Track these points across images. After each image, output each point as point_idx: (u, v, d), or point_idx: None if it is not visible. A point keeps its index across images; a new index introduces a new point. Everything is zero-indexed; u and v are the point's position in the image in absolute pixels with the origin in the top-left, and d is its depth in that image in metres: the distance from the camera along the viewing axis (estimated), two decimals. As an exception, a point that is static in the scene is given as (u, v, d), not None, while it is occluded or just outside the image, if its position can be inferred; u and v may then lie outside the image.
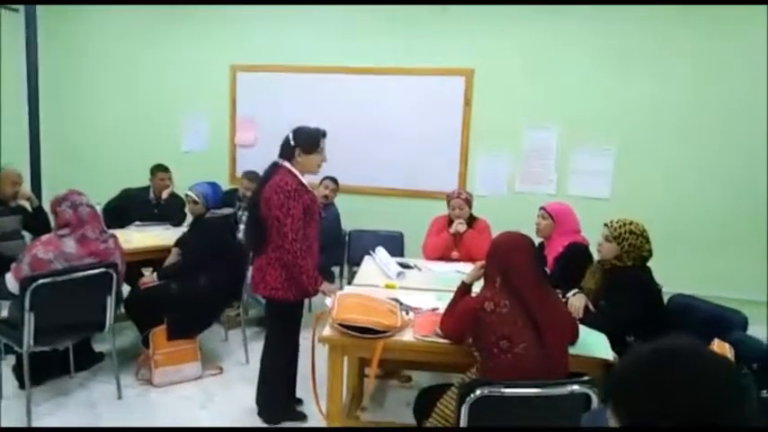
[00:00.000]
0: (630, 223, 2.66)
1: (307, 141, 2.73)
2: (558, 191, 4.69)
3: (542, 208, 3.30)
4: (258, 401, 2.96)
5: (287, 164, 2.71)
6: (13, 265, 2.83)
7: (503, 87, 4.76)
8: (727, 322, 2.53)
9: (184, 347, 3.38)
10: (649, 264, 2.68)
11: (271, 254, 2.71)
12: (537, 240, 3.07)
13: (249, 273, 3.08)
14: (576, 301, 2.61)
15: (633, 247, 2.62)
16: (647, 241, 2.66)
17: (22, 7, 5.50)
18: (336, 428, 2.53)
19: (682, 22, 4.37)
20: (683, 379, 0.86)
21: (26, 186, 4.07)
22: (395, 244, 4.53)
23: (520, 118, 4.75)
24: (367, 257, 3.66)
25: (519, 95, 4.74)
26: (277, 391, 2.94)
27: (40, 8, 5.47)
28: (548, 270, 3.02)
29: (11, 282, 2.81)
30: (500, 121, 4.78)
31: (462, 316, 2.13)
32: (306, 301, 4.62)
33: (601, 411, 1.09)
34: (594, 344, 2.28)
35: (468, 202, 3.73)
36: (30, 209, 3.91)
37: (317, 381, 2.65)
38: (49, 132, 5.67)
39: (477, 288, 2.32)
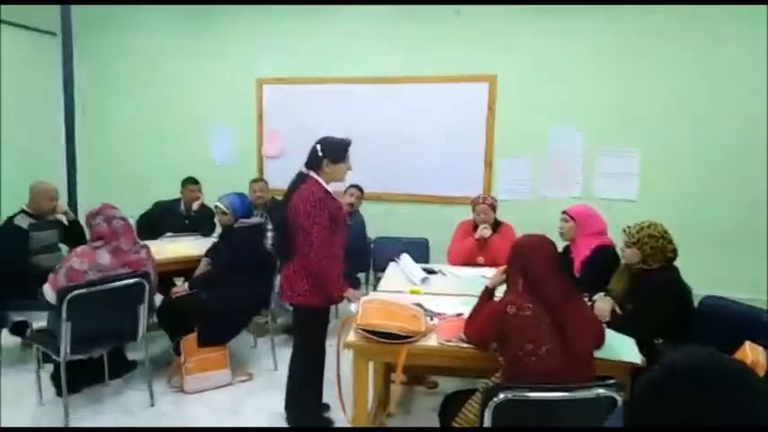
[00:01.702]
0: (648, 226, 2.61)
1: (334, 152, 2.79)
2: (584, 194, 4.63)
3: (564, 212, 3.27)
4: (287, 408, 2.99)
5: (313, 174, 2.76)
6: (51, 276, 2.94)
7: (526, 92, 4.75)
8: (759, 324, 2.46)
9: (215, 355, 3.45)
10: (677, 264, 2.63)
11: (297, 262, 2.76)
12: (562, 244, 3.07)
13: (277, 281, 3.13)
14: (603, 304, 2.58)
15: (655, 249, 2.58)
16: (670, 241, 2.61)
17: (58, 31, 5.72)
18: (351, 429, 2.54)
19: (698, 20, 4.29)
20: (699, 399, 0.85)
21: (62, 201, 4.21)
22: (420, 250, 4.53)
23: (543, 122, 4.73)
24: (392, 264, 3.67)
25: (542, 99, 4.72)
26: (305, 397, 2.97)
27: (75, 30, 5.69)
28: (575, 273, 2.99)
29: (48, 292, 2.91)
30: (524, 125, 4.77)
31: (485, 320, 2.13)
32: (332, 308, 4.72)
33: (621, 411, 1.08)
34: (621, 347, 2.24)
35: (493, 206, 3.73)
36: (66, 222, 4.04)
37: (343, 387, 2.67)
38: (84, 148, 5.87)
39: (501, 293, 2.32)
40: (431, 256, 4.66)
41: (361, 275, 4.68)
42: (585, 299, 2.51)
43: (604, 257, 2.91)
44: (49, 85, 5.84)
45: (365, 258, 4.68)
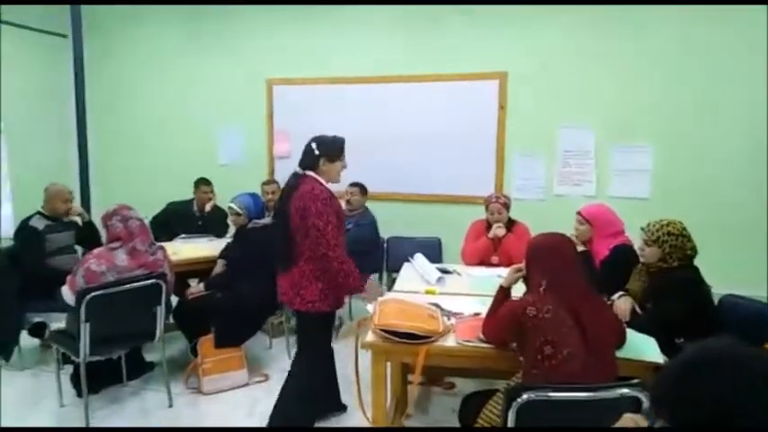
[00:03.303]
0: (668, 224, 2.59)
1: (331, 150, 2.72)
2: (598, 192, 4.60)
3: (578, 213, 3.22)
4: (277, 418, 2.83)
5: (311, 173, 2.70)
6: (69, 278, 2.96)
7: (537, 89, 4.72)
8: (782, 323, 2.45)
9: (231, 355, 3.46)
10: (696, 262, 2.62)
11: (304, 266, 2.66)
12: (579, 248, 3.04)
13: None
14: (623, 304, 2.56)
15: (675, 247, 2.55)
16: (689, 239, 2.59)
17: (69, 33, 5.76)
18: (367, 429, 2.54)
19: (713, 19, 4.26)
20: (722, 383, 0.85)
21: (76, 203, 4.24)
22: (433, 250, 4.54)
23: (555, 119, 4.70)
24: (406, 264, 3.67)
25: (553, 96, 4.69)
26: (305, 407, 2.84)
27: (84, 31, 5.73)
28: (595, 274, 2.97)
29: (67, 294, 2.93)
30: (535, 123, 4.74)
31: (504, 320, 2.12)
32: (347, 309, 4.74)
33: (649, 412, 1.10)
34: (643, 347, 2.23)
35: (507, 205, 3.72)
36: (80, 224, 4.07)
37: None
38: (96, 150, 5.91)
39: (515, 291, 2.32)
40: (444, 255, 4.67)
41: (375, 276, 4.68)
42: (605, 299, 2.50)
43: (623, 257, 2.88)
44: (61, 87, 5.89)
45: (378, 258, 4.68)
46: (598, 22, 4.51)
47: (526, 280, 2.21)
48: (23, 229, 3.78)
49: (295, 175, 2.74)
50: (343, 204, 4.44)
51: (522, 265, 2.23)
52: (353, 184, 4.51)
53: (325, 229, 2.57)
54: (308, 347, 2.86)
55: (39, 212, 3.86)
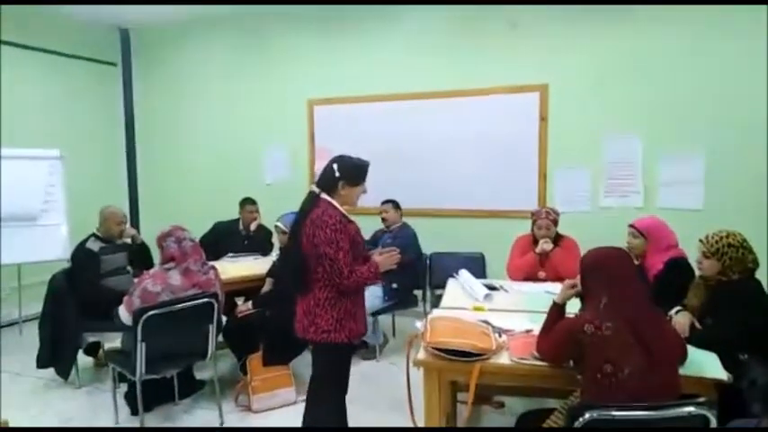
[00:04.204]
0: (728, 236, 2.51)
1: (353, 173, 2.55)
2: (646, 204, 4.50)
3: (632, 225, 3.13)
4: None
5: (326, 196, 2.53)
6: (126, 298, 3.05)
7: (579, 100, 4.67)
8: None
9: (279, 373, 3.50)
10: (757, 275, 2.52)
11: (319, 294, 2.50)
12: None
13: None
14: (681, 319, 2.48)
15: (735, 260, 2.47)
16: (750, 251, 2.50)
17: (119, 61, 6.03)
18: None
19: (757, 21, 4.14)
20: None
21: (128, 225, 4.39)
22: (477, 265, 4.51)
23: (599, 130, 4.63)
24: (451, 280, 3.64)
25: (596, 107, 4.63)
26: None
27: (133, 58, 6.00)
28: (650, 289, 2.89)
29: (124, 314, 3.02)
30: (578, 134, 4.68)
31: (560, 338, 2.07)
32: (391, 325, 4.74)
33: (747, 424, 1.08)
34: (704, 363, 2.15)
35: (556, 221, 3.66)
36: (133, 245, 4.19)
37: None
38: (144, 172, 6.12)
39: (569, 309, 2.28)
40: (488, 270, 4.62)
41: (418, 292, 4.67)
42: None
43: (679, 271, 2.80)
44: (111, 112, 6.15)
45: (420, 272, 4.66)
46: (639, 30, 4.45)
47: (581, 296, 2.17)
48: (80, 252, 3.92)
49: (311, 194, 2.57)
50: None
51: (577, 280, 2.18)
52: (386, 201, 4.52)
53: (336, 257, 2.41)
54: (320, 383, 2.66)
55: (94, 234, 3.99)
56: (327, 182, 2.55)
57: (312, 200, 2.54)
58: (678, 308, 2.58)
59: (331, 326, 2.50)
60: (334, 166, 2.54)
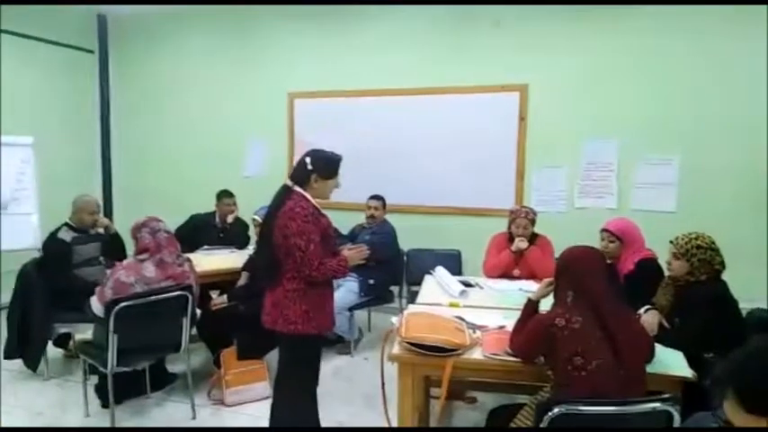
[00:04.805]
0: (697, 237, 2.58)
1: (326, 167, 2.58)
2: (620, 205, 4.58)
3: (605, 230, 3.16)
4: None
5: (299, 188, 2.56)
6: (98, 289, 3.00)
7: (558, 101, 4.72)
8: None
9: (253, 368, 3.48)
10: (724, 276, 2.60)
11: (287, 285, 2.52)
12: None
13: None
14: (650, 318, 2.54)
15: (703, 261, 2.54)
16: (718, 253, 2.57)
17: (96, 48, 5.91)
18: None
19: (736, 30, 4.24)
20: None
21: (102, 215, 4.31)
22: (453, 262, 4.54)
23: (577, 131, 4.69)
24: (428, 276, 3.67)
25: (575, 109, 4.69)
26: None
27: (110, 46, 5.88)
28: (621, 287, 2.95)
29: (96, 305, 2.97)
30: (556, 135, 4.74)
31: (532, 333, 2.11)
32: (366, 321, 4.75)
33: (706, 417, 1.25)
34: (671, 361, 2.21)
35: (533, 221, 3.71)
36: (106, 235, 4.12)
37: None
38: (118, 162, 6.03)
39: (543, 306, 2.32)
40: (464, 267, 4.66)
41: (395, 288, 4.68)
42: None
43: (649, 270, 2.87)
44: (86, 101, 6.03)
45: (398, 269, 4.68)
46: (619, 34, 4.52)
47: (554, 292, 2.21)
48: (52, 241, 3.84)
49: (284, 187, 2.59)
50: (367, 219, 4.49)
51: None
52: (375, 197, 4.53)
53: (307, 249, 2.44)
54: (289, 378, 2.66)
55: (66, 224, 3.92)
56: (300, 175, 2.58)
57: (285, 192, 2.57)
58: (647, 307, 2.64)
59: (299, 317, 2.52)
60: (307, 159, 2.58)
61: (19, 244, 4.59)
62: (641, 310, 2.62)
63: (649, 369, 2.08)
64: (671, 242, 2.64)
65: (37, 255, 4.00)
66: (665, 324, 2.54)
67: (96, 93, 5.97)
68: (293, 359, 2.64)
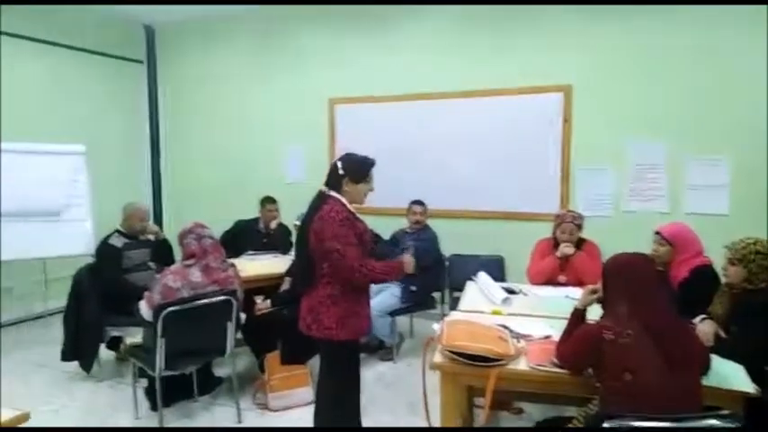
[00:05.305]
0: (755, 243, 2.45)
1: (356, 171, 2.58)
2: (672, 208, 4.40)
3: (657, 233, 3.04)
4: None
5: (334, 193, 2.56)
6: (146, 294, 3.08)
7: (603, 102, 4.59)
8: None
9: (297, 372, 3.50)
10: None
11: (321, 291, 2.53)
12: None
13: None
14: (706, 327, 2.42)
15: (762, 267, 2.40)
16: None
17: (144, 58, 6.12)
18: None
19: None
20: None
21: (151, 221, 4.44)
22: (496, 268, 4.46)
23: (623, 132, 4.54)
24: (469, 282, 3.61)
25: (621, 109, 4.54)
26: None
27: (158, 56, 6.09)
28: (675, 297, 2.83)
29: (144, 309, 3.06)
30: (602, 136, 4.60)
31: (579, 345, 2.04)
32: (409, 328, 4.72)
33: None
34: (730, 374, 2.09)
35: (580, 226, 3.60)
36: (155, 241, 4.24)
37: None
38: (168, 170, 6.21)
39: (590, 314, 2.24)
40: (507, 273, 4.58)
41: (437, 294, 4.64)
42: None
43: (705, 279, 2.74)
44: (136, 110, 6.25)
45: (440, 274, 4.63)
46: (668, 32, 4.35)
47: (602, 302, 2.13)
48: (103, 247, 3.99)
49: (319, 194, 2.61)
50: (412, 224, 4.46)
51: (598, 286, 2.15)
52: (418, 203, 4.49)
53: (344, 252, 2.42)
54: (329, 385, 2.66)
55: (117, 230, 4.06)
56: (333, 179, 2.59)
57: (321, 197, 2.58)
58: (702, 316, 2.52)
59: (334, 323, 2.51)
60: (339, 163, 2.59)
61: (73, 250, 4.78)
62: (696, 320, 2.51)
63: (706, 382, 1.97)
64: (727, 247, 2.51)
65: (90, 260, 4.14)
66: (722, 334, 2.42)
67: (145, 102, 6.19)
68: (331, 365, 2.63)
